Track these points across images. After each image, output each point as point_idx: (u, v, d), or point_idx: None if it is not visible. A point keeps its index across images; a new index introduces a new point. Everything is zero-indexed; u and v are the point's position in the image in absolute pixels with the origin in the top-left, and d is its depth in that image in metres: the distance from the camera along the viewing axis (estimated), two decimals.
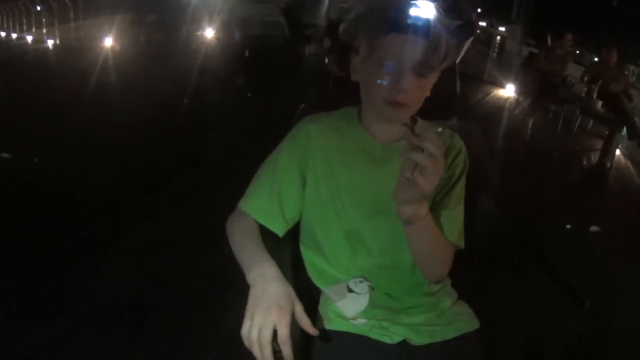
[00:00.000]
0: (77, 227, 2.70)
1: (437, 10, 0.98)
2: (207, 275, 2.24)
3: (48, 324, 2.01)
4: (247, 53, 8.17)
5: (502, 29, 11.05)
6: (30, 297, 2.18)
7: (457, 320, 1.15)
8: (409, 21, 0.96)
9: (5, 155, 3.64)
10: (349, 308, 1.10)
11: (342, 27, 1.06)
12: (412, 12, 0.96)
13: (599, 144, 5.48)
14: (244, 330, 0.88)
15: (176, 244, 2.62)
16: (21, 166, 3.49)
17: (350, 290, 1.10)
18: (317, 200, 1.10)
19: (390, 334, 1.09)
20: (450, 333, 1.11)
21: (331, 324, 1.12)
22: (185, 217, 2.89)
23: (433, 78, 1.03)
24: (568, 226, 3.46)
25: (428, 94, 1.04)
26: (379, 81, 0.99)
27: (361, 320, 1.11)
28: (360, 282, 1.10)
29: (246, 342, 0.87)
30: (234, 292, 0.96)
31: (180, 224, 2.81)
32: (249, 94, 6.02)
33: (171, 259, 2.47)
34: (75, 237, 2.61)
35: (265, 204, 1.09)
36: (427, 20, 0.96)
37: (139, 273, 2.35)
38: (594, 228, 3.50)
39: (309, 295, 1.13)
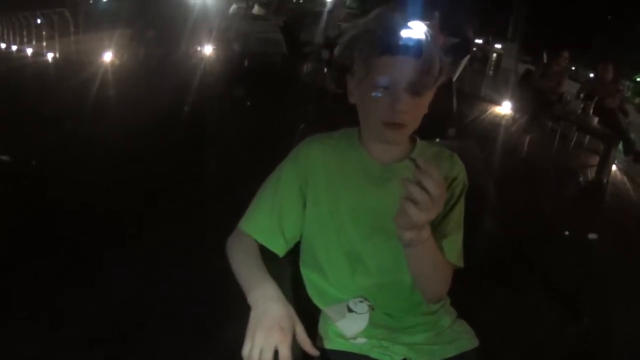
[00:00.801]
0: (74, 237, 2.70)
1: (429, 30, 1.00)
2: (205, 287, 2.24)
3: (42, 335, 2.00)
4: (245, 68, 8.23)
5: (498, 46, 11.12)
6: (25, 307, 2.17)
7: (456, 338, 1.15)
8: (402, 42, 0.97)
9: (4, 164, 3.65)
10: (349, 328, 1.10)
11: (337, 49, 1.07)
12: (405, 33, 0.98)
13: (595, 159, 5.50)
14: (245, 351, 0.88)
15: (174, 255, 2.61)
16: (20, 176, 3.50)
17: (350, 310, 1.10)
18: (318, 221, 1.11)
19: (391, 354, 1.10)
20: (450, 352, 1.12)
21: (331, 344, 1.12)
22: (184, 228, 2.89)
23: (429, 96, 1.04)
24: (566, 242, 3.47)
25: (426, 111, 1.06)
26: (374, 97, 1.00)
27: (361, 340, 1.11)
28: (360, 302, 1.10)
29: None
30: (233, 305, 0.96)
31: (179, 235, 2.80)
32: (248, 103, 6.08)
33: (169, 270, 2.46)
34: (72, 247, 2.61)
35: (265, 224, 1.09)
36: (420, 41, 0.98)
37: (136, 284, 2.34)
38: (591, 243, 3.51)
39: (308, 314, 1.14)
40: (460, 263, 1.10)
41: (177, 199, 3.27)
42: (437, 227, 1.07)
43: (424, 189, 0.82)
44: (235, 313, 0.97)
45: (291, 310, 0.94)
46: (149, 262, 2.53)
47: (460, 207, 1.11)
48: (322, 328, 1.16)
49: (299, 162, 1.12)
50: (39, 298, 2.22)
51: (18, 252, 2.56)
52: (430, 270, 1.04)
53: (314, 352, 0.93)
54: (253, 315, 0.92)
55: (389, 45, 0.98)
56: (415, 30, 0.99)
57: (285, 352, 0.87)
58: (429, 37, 0.99)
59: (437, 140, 1.34)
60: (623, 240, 3.62)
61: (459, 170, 1.12)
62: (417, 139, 1.15)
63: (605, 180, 5.07)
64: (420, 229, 0.91)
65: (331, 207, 1.10)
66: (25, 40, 9.42)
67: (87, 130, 4.46)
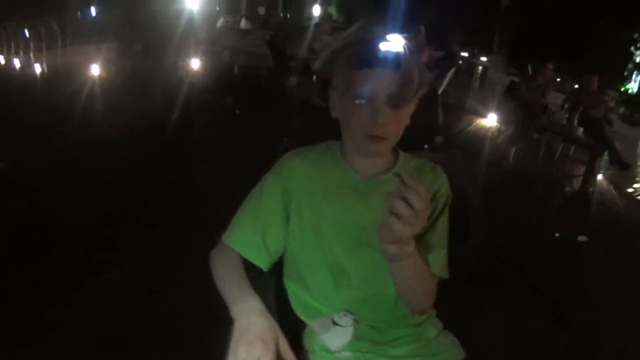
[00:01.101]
0: (58, 251, 2.67)
1: (408, 43, 1.01)
2: (191, 302, 2.22)
3: (27, 352, 1.97)
4: (232, 82, 8.26)
5: (483, 59, 11.25)
6: (17, 313, 2.15)
7: (442, 350, 1.15)
8: (380, 55, 0.98)
9: None
10: (333, 341, 1.10)
11: (318, 63, 1.08)
12: (383, 46, 0.99)
13: (581, 169, 5.56)
14: None
15: (160, 268, 2.59)
16: (7, 186, 3.47)
17: (334, 324, 1.10)
18: (301, 234, 1.11)
19: None
20: None
21: (316, 357, 1.12)
22: (170, 239, 2.87)
23: (410, 108, 1.05)
24: (553, 252, 3.49)
25: (407, 123, 1.06)
26: (355, 111, 1.01)
27: (346, 353, 1.11)
28: (345, 315, 1.10)
29: None
30: (219, 321, 0.96)
31: (166, 246, 2.79)
32: (236, 115, 6.11)
33: (153, 285, 2.43)
34: (57, 260, 2.58)
35: (249, 238, 1.09)
36: (398, 54, 0.99)
37: (120, 299, 2.31)
38: (579, 253, 3.54)
39: (293, 328, 1.13)
40: (445, 274, 1.10)
41: (164, 211, 3.25)
42: (422, 239, 1.06)
43: (408, 203, 0.83)
44: (223, 326, 0.96)
45: (274, 324, 0.94)
46: (139, 270, 2.52)
47: (444, 219, 1.12)
48: (306, 341, 1.15)
49: (281, 176, 1.12)
50: (29, 305, 2.20)
51: (7, 260, 2.54)
52: (415, 284, 1.04)
53: None
54: (236, 329, 0.92)
55: (368, 58, 0.99)
56: (393, 44, 0.99)
57: None
58: (407, 50, 1.00)
59: (426, 146, 1.35)
60: (610, 248, 3.66)
61: (442, 183, 1.13)
62: (400, 151, 1.15)
63: (591, 190, 5.12)
64: (404, 244, 0.91)
65: (314, 220, 1.10)
66: (12, 51, 9.39)
67: (74, 142, 4.44)
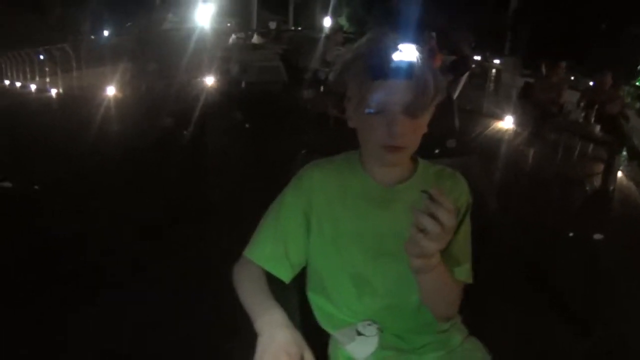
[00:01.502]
0: (69, 275, 2.71)
1: (421, 51, 1.00)
2: (208, 323, 2.23)
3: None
4: (247, 97, 8.34)
5: (496, 61, 11.19)
6: (17, 348, 2.16)
7: (468, 357, 1.14)
8: (393, 65, 0.97)
9: (8, 197, 3.69)
10: (358, 351, 1.09)
11: (331, 75, 1.08)
12: (396, 56, 0.98)
13: (600, 167, 5.47)
14: None
15: (179, 281, 2.61)
16: (22, 209, 3.53)
17: (359, 333, 1.09)
18: (322, 245, 1.11)
19: None
20: None
21: None
22: (192, 256, 2.89)
23: (427, 116, 1.04)
24: (576, 253, 3.44)
25: (425, 131, 1.05)
26: (371, 122, 1.00)
27: None
28: (369, 324, 1.09)
29: None
30: (242, 334, 0.96)
31: (185, 262, 2.81)
32: (251, 131, 6.15)
33: (168, 306, 2.44)
34: (68, 285, 2.61)
35: (270, 251, 1.09)
36: (411, 63, 0.98)
37: (132, 323, 2.32)
38: (603, 254, 3.48)
39: (318, 339, 1.13)
40: (470, 280, 1.10)
41: (181, 230, 3.27)
42: (445, 247, 1.06)
43: (436, 219, 0.83)
44: (246, 339, 0.97)
45: (298, 336, 0.94)
46: (157, 283, 2.57)
47: (466, 225, 1.11)
48: (332, 352, 1.15)
49: (301, 188, 1.12)
50: (23, 345, 2.20)
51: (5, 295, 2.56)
52: (440, 292, 1.04)
53: None
54: (260, 342, 0.92)
55: (381, 69, 0.98)
56: (406, 53, 0.98)
57: None
58: (420, 59, 0.99)
59: (437, 151, 1.35)
60: (636, 247, 3.58)
61: (462, 189, 1.12)
62: (419, 159, 1.15)
63: (611, 188, 5.03)
64: (429, 257, 0.91)
65: (335, 231, 1.10)
66: (28, 76, 9.57)
67: (89, 164, 4.51)
